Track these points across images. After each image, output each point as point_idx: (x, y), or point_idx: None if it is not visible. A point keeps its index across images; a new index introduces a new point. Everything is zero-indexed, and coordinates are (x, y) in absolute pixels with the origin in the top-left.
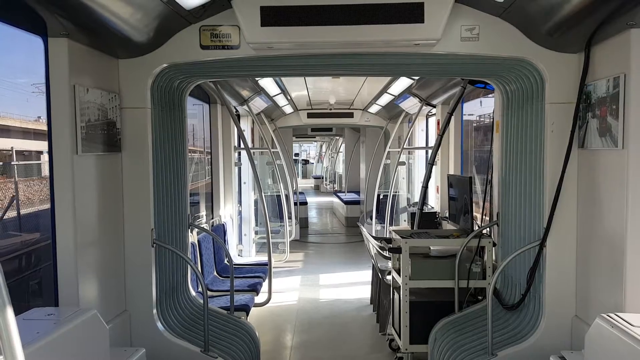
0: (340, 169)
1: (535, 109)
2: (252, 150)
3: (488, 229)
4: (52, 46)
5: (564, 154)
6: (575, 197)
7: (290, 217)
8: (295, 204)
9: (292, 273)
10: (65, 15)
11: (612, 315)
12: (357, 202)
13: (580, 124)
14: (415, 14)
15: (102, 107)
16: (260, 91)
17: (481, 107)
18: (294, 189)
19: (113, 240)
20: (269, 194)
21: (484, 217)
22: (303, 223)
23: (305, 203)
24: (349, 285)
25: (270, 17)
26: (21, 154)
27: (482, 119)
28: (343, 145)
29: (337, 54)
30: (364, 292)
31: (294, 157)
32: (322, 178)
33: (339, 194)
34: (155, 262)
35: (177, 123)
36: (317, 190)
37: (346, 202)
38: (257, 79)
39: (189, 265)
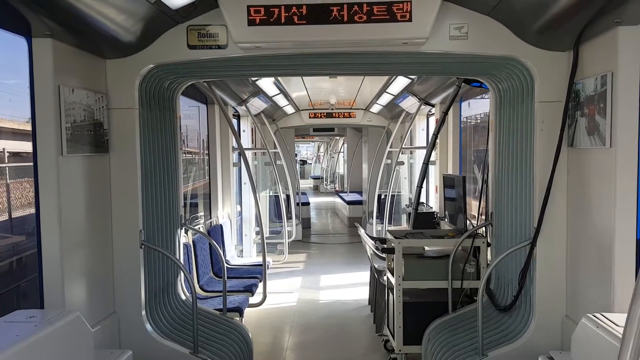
0: (341, 169)
1: (526, 108)
2: (253, 151)
3: (484, 229)
4: (36, 46)
5: (554, 153)
6: (565, 196)
7: (290, 218)
8: (297, 204)
9: (293, 274)
10: (50, 16)
11: (597, 315)
12: (359, 202)
13: (570, 122)
14: (403, 13)
15: (88, 108)
16: (258, 92)
17: (469, 109)
18: (296, 189)
19: (101, 241)
20: (271, 194)
21: (480, 216)
22: (305, 223)
23: (308, 203)
24: (349, 286)
25: (257, 16)
26: (19, 155)
27: (469, 120)
28: (345, 145)
29: (326, 53)
30: (364, 293)
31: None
32: (322, 178)
33: (341, 194)
34: (145, 264)
35: (168, 123)
36: (317, 190)
37: (348, 202)
38: (254, 79)
39: (182, 267)
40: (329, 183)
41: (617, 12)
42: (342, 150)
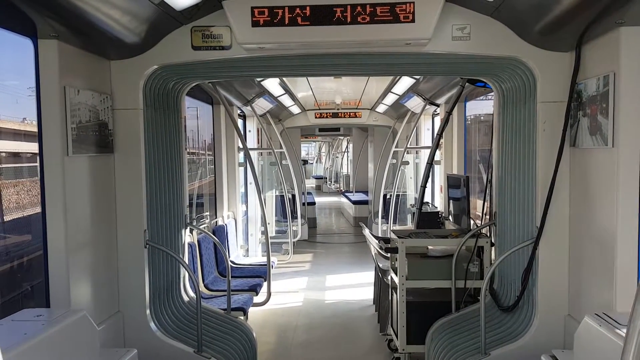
0: (345, 169)
1: (528, 108)
2: (259, 151)
3: (488, 228)
4: (42, 48)
5: (556, 153)
6: (568, 196)
7: (295, 217)
8: (303, 204)
9: (299, 274)
10: (55, 17)
11: (600, 313)
12: (365, 202)
13: (572, 122)
14: (406, 14)
15: (93, 109)
16: (264, 92)
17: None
18: (302, 189)
19: (106, 241)
20: (277, 194)
21: (484, 216)
22: (311, 223)
23: (313, 203)
24: (355, 286)
25: (261, 17)
26: (17, 156)
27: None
28: (350, 145)
29: (329, 54)
30: (370, 293)
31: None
32: (325, 178)
33: (347, 194)
34: (149, 263)
35: (173, 124)
36: (319, 190)
37: (354, 202)
38: (259, 80)
39: (185, 266)
40: (332, 183)
41: (620, 12)
42: (346, 150)
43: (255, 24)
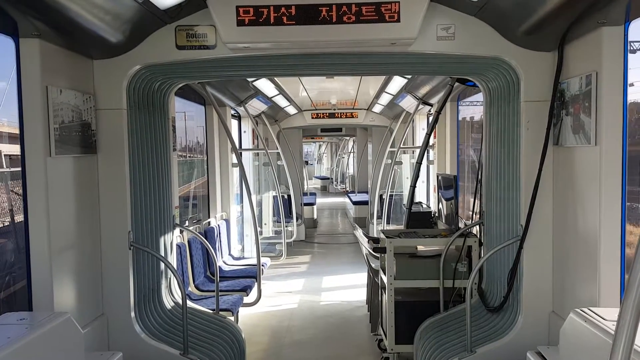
0: (351, 169)
1: (513, 107)
2: (255, 152)
3: (477, 228)
4: (23, 47)
5: (540, 152)
6: (551, 194)
7: (290, 218)
8: (301, 204)
9: (295, 275)
10: (37, 16)
11: (585, 309)
12: (366, 203)
13: (555, 121)
14: (391, 13)
15: (76, 109)
16: (257, 92)
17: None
18: (299, 189)
19: (89, 243)
20: (274, 194)
21: (475, 215)
22: (310, 224)
23: (312, 204)
24: (351, 288)
25: (246, 16)
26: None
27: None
28: (355, 145)
29: (315, 54)
30: (365, 294)
31: None
32: (330, 179)
33: (350, 195)
34: (134, 265)
35: (159, 124)
36: (325, 191)
37: (355, 203)
38: (251, 80)
39: (170, 268)
40: (338, 183)
41: (602, 13)
42: (352, 150)
43: (240, 23)
